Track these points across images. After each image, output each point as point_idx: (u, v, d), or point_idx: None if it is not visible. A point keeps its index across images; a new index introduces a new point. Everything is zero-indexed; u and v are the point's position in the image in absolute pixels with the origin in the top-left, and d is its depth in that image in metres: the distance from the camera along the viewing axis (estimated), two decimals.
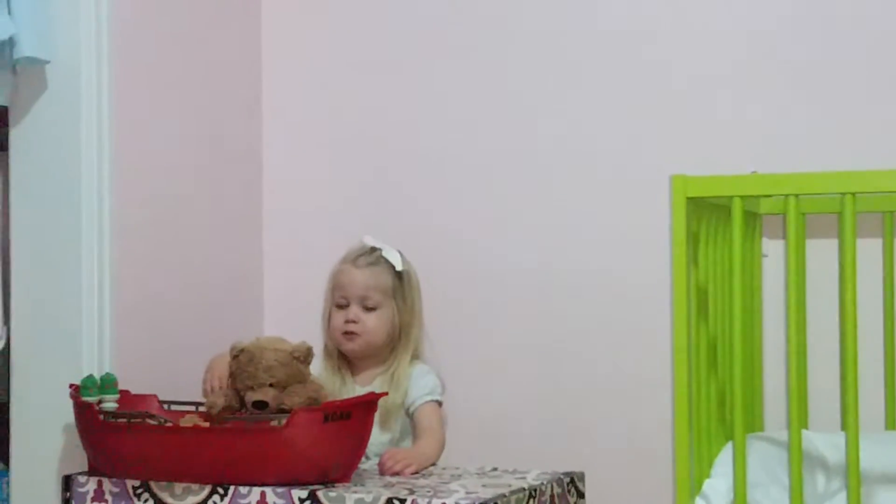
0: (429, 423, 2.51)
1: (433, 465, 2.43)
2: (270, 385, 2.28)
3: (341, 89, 2.99)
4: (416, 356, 2.60)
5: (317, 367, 2.58)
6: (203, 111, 2.80)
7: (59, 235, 2.47)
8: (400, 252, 2.61)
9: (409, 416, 2.54)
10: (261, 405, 2.27)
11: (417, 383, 2.55)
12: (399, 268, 2.59)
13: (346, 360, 2.62)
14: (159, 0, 2.67)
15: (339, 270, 2.60)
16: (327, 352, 2.62)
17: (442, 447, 2.49)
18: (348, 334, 2.56)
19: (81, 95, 2.45)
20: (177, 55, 2.72)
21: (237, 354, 2.33)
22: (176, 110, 2.71)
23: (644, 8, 2.76)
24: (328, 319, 2.61)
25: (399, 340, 2.59)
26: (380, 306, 2.57)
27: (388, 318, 2.57)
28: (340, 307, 2.58)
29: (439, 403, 2.55)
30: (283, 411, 2.25)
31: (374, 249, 2.60)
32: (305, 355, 2.33)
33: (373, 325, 2.56)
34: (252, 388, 2.28)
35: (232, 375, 2.34)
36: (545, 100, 2.83)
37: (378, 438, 2.51)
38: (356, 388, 2.55)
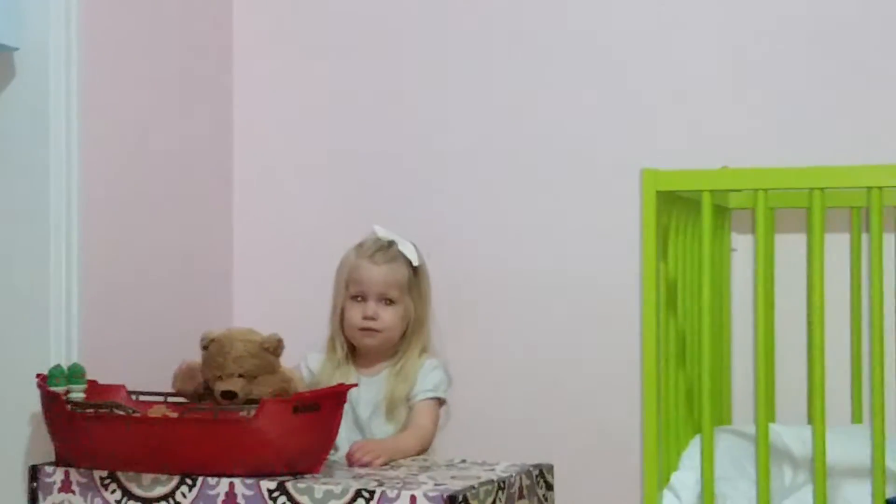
0: (418, 419, 2.51)
1: (408, 458, 2.42)
2: (240, 376, 2.28)
3: (317, 77, 2.98)
4: (425, 349, 2.60)
5: (319, 360, 2.58)
6: (173, 99, 2.79)
7: (27, 225, 2.45)
8: (414, 245, 2.60)
9: (410, 408, 2.54)
10: (229, 395, 2.26)
11: (424, 378, 2.55)
12: (416, 263, 2.59)
13: (352, 352, 2.61)
14: None
15: (355, 265, 2.58)
16: (331, 344, 2.61)
17: (424, 444, 2.49)
18: (367, 330, 2.56)
19: (50, 83, 2.43)
20: (147, 44, 2.70)
21: (207, 345, 2.32)
22: (146, 98, 2.69)
23: (616, 7, 2.77)
24: (340, 313, 2.59)
25: (411, 333, 2.59)
26: (397, 302, 2.57)
27: (404, 313, 2.58)
28: (356, 301, 2.57)
29: (441, 401, 2.56)
30: (252, 402, 2.24)
31: (389, 244, 2.59)
32: (275, 346, 2.32)
33: (391, 320, 2.56)
34: (221, 378, 2.28)
35: (202, 365, 2.33)
36: (519, 97, 2.82)
37: (382, 428, 2.51)
38: (362, 380, 2.54)
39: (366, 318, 2.55)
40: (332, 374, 2.55)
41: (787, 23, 2.67)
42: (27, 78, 2.44)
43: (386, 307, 2.56)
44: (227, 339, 2.31)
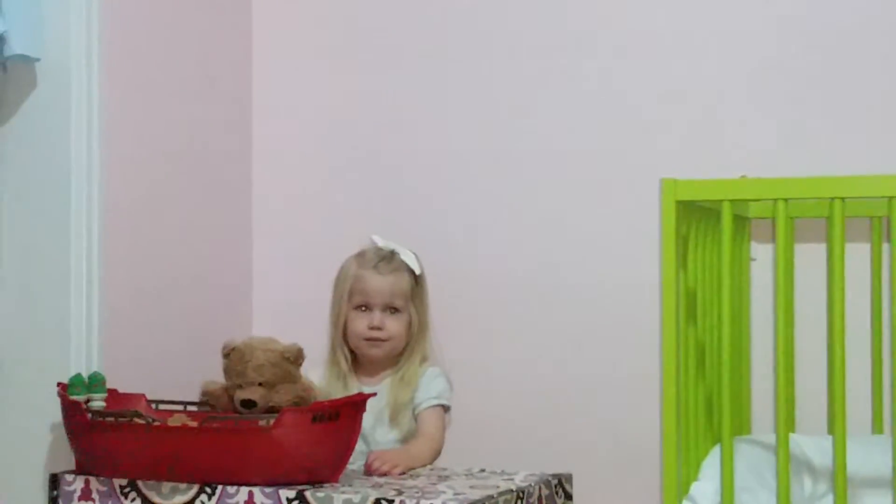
0: (427, 428, 2.51)
1: (424, 466, 2.43)
2: (259, 384, 2.28)
3: (334, 90, 2.99)
4: (425, 357, 2.61)
5: (320, 371, 2.58)
6: (194, 109, 2.80)
7: (48, 234, 2.46)
8: (414, 253, 2.61)
9: (415, 417, 2.54)
10: (249, 404, 2.27)
11: (428, 385, 2.56)
12: (418, 271, 2.60)
13: (354, 361, 2.61)
14: (149, 6, 2.66)
15: (358, 275, 2.58)
16: (333, 353, 2.61)
17: (435, 452, 2.49)
18: (372, 340, 2.56)
19: (71, 93, 2.45)
20: (167, 53, 2.71)
21: (228, 353, 2.33)
22: (166, 108, 2.70)
23: (637, 12, 2.77)
24: (343, 323, 2.59)
25: (414, 341, 2.59)
26: (402, 311, 2.58)
27: (408, 322, 2.58)
28: (361, 311, 2.58)
29: (445, 408, 2.56)
30: (272, 410, 2.25)
31: (393, 253, 2.60)
32: (296, 356, 2.33)
33: (397, 329, 2.56)
34: (241, 387, 2.29)
35: (224, 374, 2.34)
36: (539, 103, 2.82)
37: (387, 437, 2.52)
38: (364, 390, 2.53)
39: (372, 328, 2.55)
40: (336, 385, 2.55)
41: (807, 31, 2.66)
42: (49, 88, 2.46)
43: (391, 316, 2.56)
44: (248, 347, 2.32)
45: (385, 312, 2.56)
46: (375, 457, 2.36)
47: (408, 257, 2.59)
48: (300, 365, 2.35)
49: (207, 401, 2.35)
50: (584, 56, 2.80)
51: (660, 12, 2.75)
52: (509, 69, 2.85)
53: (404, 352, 2.59)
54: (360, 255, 2.61)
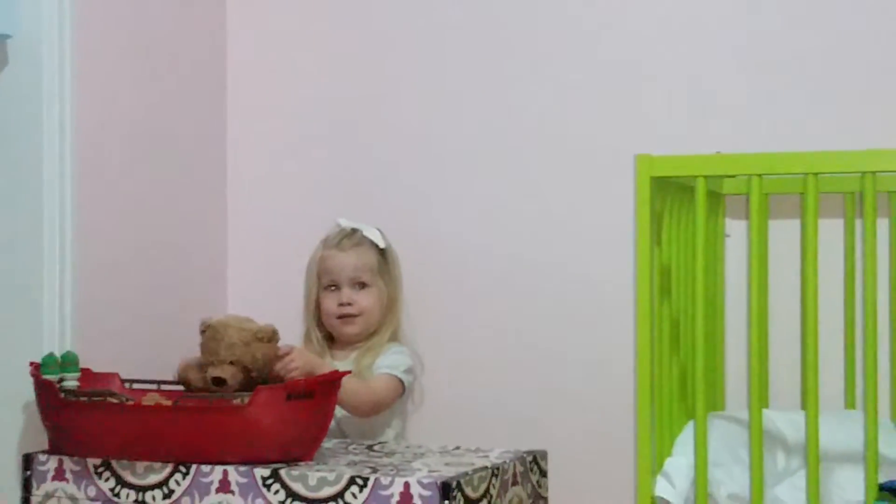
0: (373, 382, 2.52)
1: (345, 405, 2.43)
2: (231, 363, 2.28)
3: (308, 74, 2.97)
4: (395, 335, 2.62)
5: None
6: (167, 89, 2.78)
7: (20, 213, 2.45)
8: (379, 230, 2.62)
9: None
10: (219, 381, 2.27)
11: (387, 357, 2.58)
12: (382, 245, 2.62)
13: (329, 342, 2.62)
14: None
15: (323, 256, 2.62)
16: (308, 337, 2.64)
17: (367, 401, 2.49)
18: (345, 318, 2.58)
19: (43, 71, 2.43)
20: (140, 31, 2.69)
21: (204, 330, 2.34)
22: (139, 87, 2.68)
23: None
24: (315, 305, 2.61)
25: (383, 316, 2.61)
26: (371, 284, 2.60)
27: (379, 296, 2.61)
28: (330, 290, 2.59)
29: (399, 381, 2.56)
30: (246, 389, 2.24)
31: (354, 230, 2.61)
32: (270, 336, 2.33)
33: (367, 303, 2.59)
34: (213, 364, 2.28)
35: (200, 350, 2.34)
36: (510, 85, 2.81)
37: None
38: (335, 364, 2.55)
39: (342, 304, 2.57)
40: None
41: (780, 7, 2.66)
42: (20, 66, 2.44)
43: (360, 291, 2.58)
44: (223, 325, 2.32)
45: (353, 288, 2.58)
46: (291, 358, 2.33)
47: (371, 233, 2.63)
48: (275, 345, 2.34)
49: (184, 377, 2.34)
50: (559, 37, 2.79)
51: None
52: (484, 52, 2.84)
53: (378, 328, 2.60)
54: (325, 239, 2.66)
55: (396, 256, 2.68)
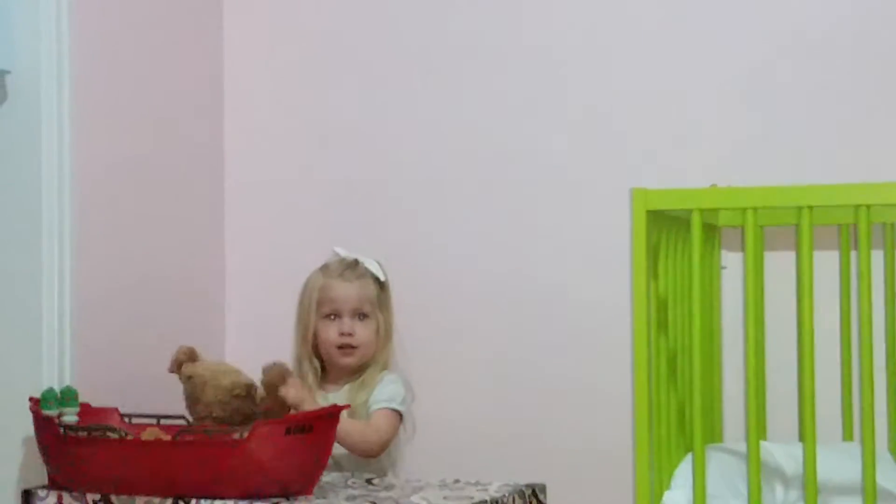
0: (374, 421, 2.53)
1: (364, 452, 2.47)
2: (214, 418, 2.30)
3: (306, 99, 2.99)
4: (386, 364, 2.63)
5: None
6: (165, 118, 2.79)
7: (19, 247, 2.45)
8: (378, 262, 2.63)
9: (368, 418, 2.55)
10: (209, 433, 2.28)
11: (383, 389, 2.57)
12: (382, 278, 2.63)
13: (322, 373, 2.62)
14: (120, 8, 2.66)
15: (324, 285, 2.61)
16: (299, 367, 2.62)
17: (372, 443, 2.50)
18: (345, 348, 2.58)
19: (41, 105, 2.44)
20: (138, 63, 2.71)
21: (186, 381, 2.35)
22: (137, 117, 2.70)
23: (607, 24, 2.78)
24: (312, 335, 2.61)
25: (379, 349, 2.61)
26: (370, 317, 2.61)
27: (377, 328, 2.62)
28: (330, 319, 2.59)
29: (398, 413, 2.56)
30: (246, 422, 2.25)
31: (355, 262, 2.63)
32: (246, 392, 2.33)
33: (367, 335, 2.60)
34: (197, 416, 2.32)
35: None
36: (507, 115, 2.84)
37: None
38: (328, 398, 2.55)
39: (342, 334, 2.58)
40: None
41: (777, 41, 2.68)
42: (19, 101, 2.45)
43: (360, 323, 2.59)
44: (200, 382, 2.34)
45: (354, 319, 2.58)
46: (291, 382, 2.35)
47: (371, 265, 2.63)
48: (252, 396, 2.35)
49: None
50: (556, 66, 2.81)
51: (630, 23, 2.77)
52: (482, 78, 2.86)
53: (372, 360, 2.61)
54: (325, 267, 2.65)
55: (390, 289, 2.67)
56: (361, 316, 2.60)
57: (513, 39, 2.84)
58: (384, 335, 2.62)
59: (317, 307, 2.61)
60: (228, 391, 2.32)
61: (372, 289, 2.62)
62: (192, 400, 2.34)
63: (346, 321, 2.59)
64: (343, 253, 2.66)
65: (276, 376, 2.34)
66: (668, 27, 2.75)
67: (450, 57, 2.89)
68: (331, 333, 2.59)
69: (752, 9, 2.70)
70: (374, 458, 2.53)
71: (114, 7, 2.64)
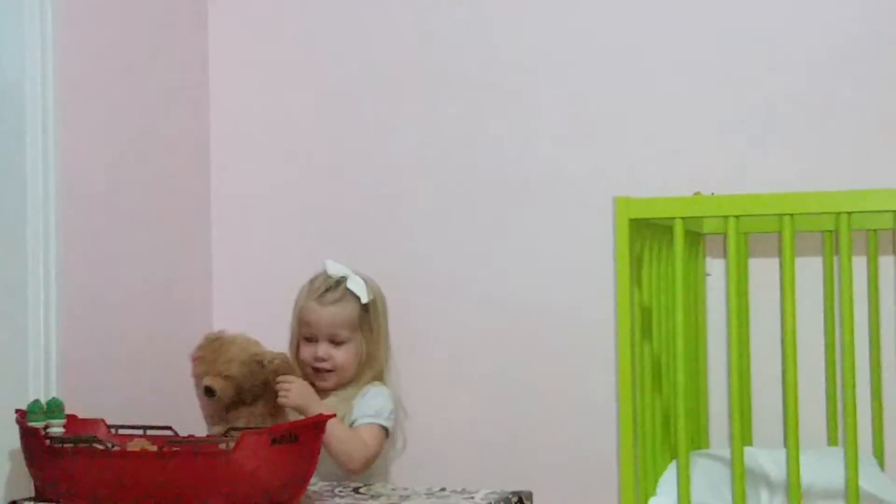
0: (360, 434, 2.53)
1: (350, 466, 2.48)
2: (225, 377, 2.31)
3: (297, 108, 2.99)
4: (377, 377, 2.62)
5: None
6: (150, 129, 2.80)
7: (4, 259, 2.45)
8: (365, 280, 2.61)
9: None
10: (209, 391, 2.30)
11: (367, 402, 2.57)
12: (364, 300, 2.60)
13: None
14: (104, 20, 2.66)
15: (304, 307, 2.61)
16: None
17: (361, 457, 2.49)
18: (319, 371, 2.58)
19: (26, 124, 2.44)
20: (122, 82, 2.71)
21: (213, 340, 2.42)
22: (122, 137, 2.70)
23: (587, 31, 2.79)
24: (296, 350, 2.63)
25: (362, 368, 2.61)
26: (348, 341, 2.59)
27: (356, 351, 2.60)
28: (308, 341, 2.60)
29: (385, 429, 2.56)
30: (233, 430, 2.26)
31: (338, 282, 2.60)
32: (268, 361, 2.35)
33: (342, 360, 2.58)
34: (208, 374, 2.32)
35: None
36: (491, 125, 2.85)
37: (324, 451, 2.51)
38: None
39: (317, 359, 2.58)
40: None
41: (757, 49, 2.70)
42: (3, 115, 2.44)
43: (337, 348, 2.58)
44: (230, 339, 2.41)
45: (330, 344, 2.58)
46: (287, 387, 2.40)
47: (356, 285, 2.60)
48: (275, 369, 2.36)
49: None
50: (537, 75, 2.82)
51: (610, 31, 2.78)
52: (464, 87, 2.87)
53: (355, 374, 2.61)
54: (311, 283, 2.64)
55: (383, 303, 2.65)
56: (337, 342, 2.59)
57: (494, 51, 2.86)
58: (367, 356, 2.61)
59: (297, 327, 2.63)
60: (253, 355, 2.38)
61: (352, 311, 2.59)
62: (214, 355, 2.37)
63: (322, 346, 2.58)
64: (332, 269, 2.62)
65: (282, 365, 2.40)
66: (650, 36, 2.76)
67: (434, 68, 2.89)
68: (307, 355, 2.60)
69: (732, 19, 2.71)
70: (356, 474, 2.51)
71: (98, 13, 2.64)
